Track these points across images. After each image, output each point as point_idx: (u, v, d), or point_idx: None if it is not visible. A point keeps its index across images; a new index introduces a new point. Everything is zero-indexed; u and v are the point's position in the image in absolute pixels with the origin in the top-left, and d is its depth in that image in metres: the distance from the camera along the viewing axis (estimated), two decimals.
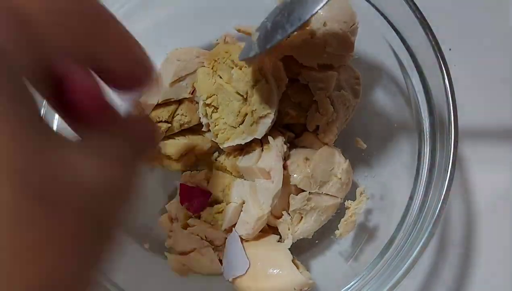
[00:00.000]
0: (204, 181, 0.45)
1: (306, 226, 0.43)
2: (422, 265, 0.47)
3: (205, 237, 0.44)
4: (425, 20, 0.40)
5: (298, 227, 0.43)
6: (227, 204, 0.44)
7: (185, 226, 0.45)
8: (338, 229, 0.43)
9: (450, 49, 0.51)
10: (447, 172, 0.37)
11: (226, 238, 0.43)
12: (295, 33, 0.42)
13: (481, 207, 0.49)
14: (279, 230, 0.44)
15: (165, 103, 0.45)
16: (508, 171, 0.50)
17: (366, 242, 0.45)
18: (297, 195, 0.42)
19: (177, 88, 0.45)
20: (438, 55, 0.39)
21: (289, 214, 0.43)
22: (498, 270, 0.47)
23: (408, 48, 0.43)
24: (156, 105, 0.45)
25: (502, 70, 0.52)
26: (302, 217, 0.42)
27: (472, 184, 0.50)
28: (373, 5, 0.44)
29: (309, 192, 0.42)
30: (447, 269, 0.48)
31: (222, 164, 0.45)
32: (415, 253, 0.37)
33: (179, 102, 0.46)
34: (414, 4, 0.41)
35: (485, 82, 0.52)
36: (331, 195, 0.43)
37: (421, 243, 0.37)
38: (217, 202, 0.45)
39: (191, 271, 0.44)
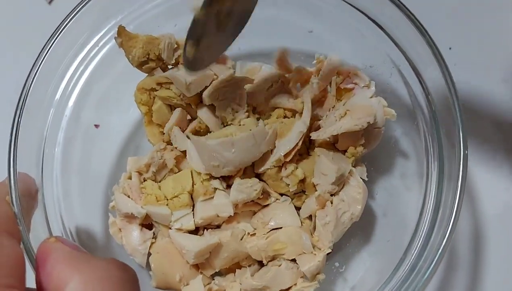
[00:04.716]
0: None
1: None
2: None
3: None
4: (421, 25, 0.38)
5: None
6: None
7: None
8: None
9: (450, 48, 0.50)
10: (456, 197, 0.34)
11: None
12: None
13: (488, 219, 0.47)
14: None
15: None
16: (509, 174, 0.48)
17: (369, 269, 0.43)
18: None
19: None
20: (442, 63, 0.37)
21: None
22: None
23: (412, 65, 0.40)
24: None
25: (502, 70, 0.50)
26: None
27: (476, 190, 0.48)
28: (364, 14, 0.41)
29: None
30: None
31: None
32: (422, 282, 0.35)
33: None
34: (405, 7, 0.38)
35: (485, 82, 0.50)
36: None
37: (427, 273, 0.35)
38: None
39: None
